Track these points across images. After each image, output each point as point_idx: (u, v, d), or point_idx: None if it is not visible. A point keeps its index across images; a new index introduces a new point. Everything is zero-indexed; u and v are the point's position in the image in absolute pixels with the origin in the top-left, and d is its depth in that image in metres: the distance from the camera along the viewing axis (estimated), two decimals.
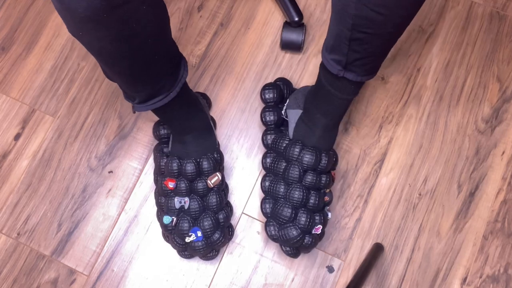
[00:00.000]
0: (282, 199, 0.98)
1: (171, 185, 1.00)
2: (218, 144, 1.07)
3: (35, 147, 1.12)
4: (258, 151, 1.12)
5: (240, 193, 1.09)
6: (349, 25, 0.80)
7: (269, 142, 1.06)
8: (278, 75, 1.16)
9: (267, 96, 1.09)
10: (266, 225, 1.00)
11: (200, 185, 0.99)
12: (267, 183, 1.02)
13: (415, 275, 1.05)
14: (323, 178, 0.99)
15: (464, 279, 1.05)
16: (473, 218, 1.08)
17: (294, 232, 0.96)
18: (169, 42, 0.85)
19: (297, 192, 0.96)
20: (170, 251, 1.06)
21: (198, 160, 1.00)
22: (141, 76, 0.83)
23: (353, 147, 1.12)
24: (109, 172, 1.11)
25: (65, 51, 1.18)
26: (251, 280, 1.05)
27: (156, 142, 1.11)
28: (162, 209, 1.02)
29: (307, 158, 0.97)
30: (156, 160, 1.05)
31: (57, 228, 1.08)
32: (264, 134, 1.08)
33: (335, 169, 1.06)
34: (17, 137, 1.13)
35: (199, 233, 0.98)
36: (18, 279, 1.05)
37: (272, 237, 1.00)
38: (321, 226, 0.98)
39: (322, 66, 0.93)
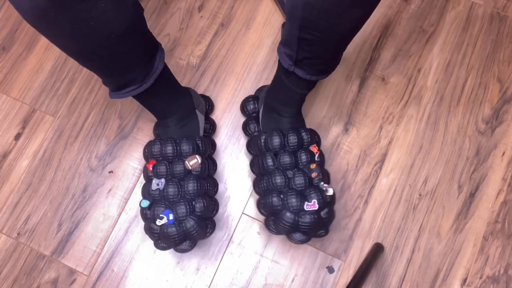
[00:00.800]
0: (268, 191, 0.98)
1: (151, 168, 0.99)
2: (213, 147, 1.08)
3: (36, 147, 1.12)
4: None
5: (240, 194, 1.09)
6: (297, 25, 0.80)
7: (251, 128, 1.09)
8: None
9: (249, 107, 1.11)
10: (266, 223, 1.00)
11: (177, 168, 0.97)
12: (257, 182, 1.02)
13: (415, 276, 1.05)
14: (301, 156, 0.98)
15: (464, 280, 1.05)
16: (473, 219, 1.08)
17: (288, 215, 0.94)
18: (139, 36, 0.83)
19: (277, 178, 0.96)
20: (170, 251, 1.06)
21: (177, 141, 0.98)
22: (109, 69, 0.83)
23: (354, 148, 1.12)
24: (110, 172, 1.11)
25: None
26: (251, 280, 1.05)
27: None
28: (143, 194, 1.00)
29: (275, 140, 0.98)
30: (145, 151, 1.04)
31: (57, 228, 1.08)
32: (246, 123, 1.10)
33: (317, 144, 1.02)
34: (17, 137, 1.13)
35: (171, 216, 0.94)
36: (18, 279, 1.05)
37: (274, 232, 0.99)
38: (315, 201, 0.94)
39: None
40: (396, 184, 1.10)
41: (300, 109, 1.03)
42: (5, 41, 1.19)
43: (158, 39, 1.18)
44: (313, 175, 0.97)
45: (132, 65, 0.85)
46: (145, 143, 1.12)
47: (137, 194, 1.09)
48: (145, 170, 1.01)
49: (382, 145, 1.12)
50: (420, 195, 1.09)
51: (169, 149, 0.97)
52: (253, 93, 1.15)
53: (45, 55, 1.18)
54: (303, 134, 0.99)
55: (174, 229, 0.94)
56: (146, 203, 0.97)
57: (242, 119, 1.13)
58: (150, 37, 0.88)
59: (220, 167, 1.11)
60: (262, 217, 1.06)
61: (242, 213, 1.08)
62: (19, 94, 1.15)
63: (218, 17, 1.19)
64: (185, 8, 1.20)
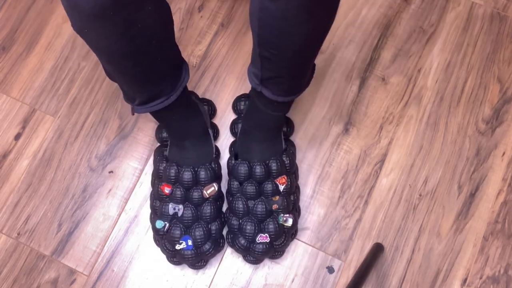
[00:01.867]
0: (231, 211, 1.03)
1: (167, 190, 1.00)
2: (218, 154, 1.08)
3: (36, 147, 1.12)
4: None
5: None
6: (256, 42, 0.80)
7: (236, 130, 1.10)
8: None
9: (241, 107, 1.11)
10: (226, 237, 1.04)
11: (195, 194, 0.99)
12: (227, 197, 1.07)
13: (415, 276, 1.05)
14: (266, 186, 1.00)
15: (464, 280, 1.05)
16: (473, 219, 1.08)
17: (241, 241, 1.00)
18: (172, 44, 0.85)
19: (239, 203, 1.00)
20: None
21: (195, 169, 0.99)
22: (144, 77, 0.83)
23: (354, 148, 1.12)
24: (110, 172, 1.11)
25: (65, 51, 1.18)
26: (251, 280, 1.05)
27: (157, 143, 1.11)
28: (156, 212, 1.02)
29: (241, 169, 1.01)
30: (155, 163, 1.05)
31: (57, 228, 1.08)
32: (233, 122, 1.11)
33: (287, 174, 1.03)
34: (17, 137, 1.13)
35: (190, 242, 0.98)
36: (18, 279, 1.05)
37: (231, 247, 1.04)
38: (267, 235, 0.99)
39: None
40: (396, 184, 1.10)
41: (277, 133, 1.03)
42: (5, 41, 1.19)
43: None
44: (274, 206, 1.00)
45: (164, 75, 0.86)
46: (145, 143, 1.12)
47: (137, 194, 1.09)
48: (156, 189, 1.02)
49: (382, 145, 1.12)
50: (420, 195, 1.09)
51: (187, 176, 0.99)
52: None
53: (45, 55, 1.18)
54: (272, 164, 1.00)
55: (192, 252, 0.98)
56: (161, 224, 1.00)
57: None
58: (178, 48, 0.89)
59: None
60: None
61: None
62: (19, 94, 1.15)
63: (218, 17, 1.19)
64: (185, 8, 1.20)
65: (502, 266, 1.06)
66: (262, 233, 0.99)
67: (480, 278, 1.05)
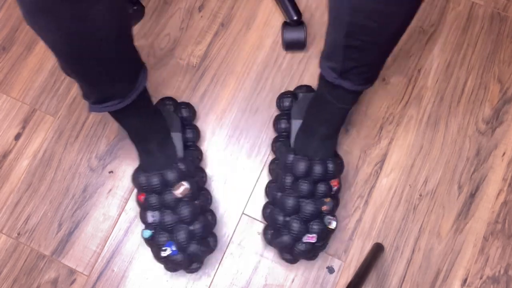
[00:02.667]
0: (278, 206, 1.00)
1: (142, 199, 0.99)
2: (199, 159, 1.06)
3: (36, 147, 1.12)
4: (258, 152, 1.11)
5: (240, 194, 1.09)
6: (343, 32, 0.78)
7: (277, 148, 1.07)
8: (278, 76, 1.15)
9: (285, 104, 1.09)
10: (264, 230, 1.02)
11: (168, 198, 0.97)
12: (271, 190, 1.04)
13: (415, 276, 1.05)
14: (320, 187, 0.98)
15: (465, 280, 1.05)
16: (473, 219, 1.08)
17: (285, 238, 0.97)
18: (127, 49, 0.84)
19: (290, 200, 0.97)
20: None
21: (161, 172, 0.97)
22: (94, 77, 0.82)
23: (354, 148, 1.12)
24: (110, 172, 1.11)
25: None
26: (251, 280, 1.05)
27: None
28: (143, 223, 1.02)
29: (301, 165, 0.97)
30: (134, 176, 1.03)
31: (57, 228, 1.08)
32: (274, 141, 1.09)
33: (338, 177, 1.02)
34: (17, 137, 1.13)
35: (174, 247, 0.96)
36: (18, 279, 1.05)
37: (269, 242, 1.02)
38: (315, 235, 0.97)
39: (321, 73, 0.92)
40: (396, 184, 1.10)
41: (338, 131, 1.01)
42: (5, 41, 1.19)
43: (159, 39, 1.18)
44: (324, 208, 0.99)
45: (118, 77, 0.85)
46: None
47: None
48: (138, 200, 1.02)
49: (382, 146, 1.12)
50: (420, 195, 1.09)
51: (155, 180, 0.96)
52: (253, 93, 1.15)
53: (46, 55, 1.18)
54: (330, 165, 0.99)
55: (179, 256, 0.96)
56: (148, 234, 0.99)
57: (243, 119, 1.13)
58: (136, 53, 0.88)
59: (220, 167, 1.11)
60: (262, 218, 1.06)
61: (242, 213, 1.08)
62: (19, 94, 1.15)
63: (219, 17, 1.19)
64: (185, 8, 1.20)
65: (502, 266, 1.06)
66: (309, 233, 0.97)
67: (480, 278, 1.05)
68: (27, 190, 1.10)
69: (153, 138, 0.98)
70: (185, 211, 0.96)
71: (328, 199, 0.99)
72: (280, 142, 1.06)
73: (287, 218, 0.98)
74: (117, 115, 0.92)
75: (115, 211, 1.09)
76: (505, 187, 1.09)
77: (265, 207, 1.05)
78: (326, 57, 0.88)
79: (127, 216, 1.08)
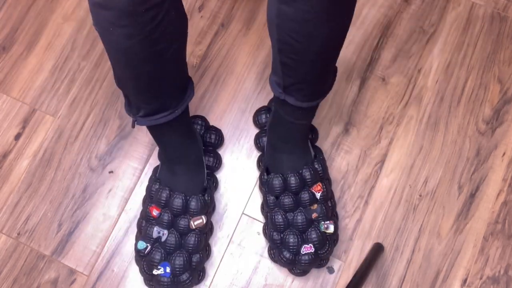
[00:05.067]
0: (271, 226, 1.01)
1: (155, 213, 0.99)
2: (216, 185, 1.06)
3: (36, 147, 1.12)
4: (258, 152, 1.11)
5: (240, 194, 1.09)
6: (276, 49, 0.80)
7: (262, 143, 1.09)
8: None
9: (262, 120, 1.10)
10: (268, 251, 1.05)
11: (182, 223, 0.97)
12: (264, 212, 1.06)
13: (416, 276, 1.05)
14: (303, 196, 0.99)
15: (464, 280, 1.05)
16: (473, 219, 1.08)
17: (285, 254, 0.99)
18: (184, 57, 0.86)
19: (278, 216, 0.99)
20: None
21: (187, 197, 0.98)
22: (156, 86, 0.83)
23: (354, 148, 1.12)
24: (110, 172, 1.11)
25: (65, 51, 1.18)
26: (251, 280, 1.05)
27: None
28: (141, 232, 1.01)
29: (275, 182, 0.99)
30: (150, 182, 1.04)
31: (57, 228, 1.08)
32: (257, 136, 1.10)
33: (320, 182, 1.01)
34: (17, 137, 1.13)
35: (168, 269, 0.96)
36: (18, 279, 1.05)
37: (275, 262, 1.04)
38: (311, 245, 0.97)
39: None
40: (396, 184, 1.10)
41: (304, 142, 1.01)
42: (5, 41, 1.19)
43: None
44: (313, 215, 0.99)
45: (175, 87, 0.86)
46: (145, 143, 1.12)
47: (138, 195, 1.09)
48: (146, 208, 1.01)
49: (382, 146, 1.12)
50: (420, 195, 1.09)
51: (178, 203, 0.97)
52: (253, 94, 1.15)
53: (46, 55, 1.18)
54: (306, 174, 0.99)
55: (168, 279, 0.97)
56: (143, 245, 0.99)
57: (243, 119, 1.13)
58: (186, 63, 0.89)
59: (220, 167, 1.11)
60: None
61: (242, 213, 1.08)
62: (19, 94, 1.15)
63: (219, 17, 1.19)
64: (186, 8, 1.19)
65: (502, 266, 1.06)
66: (306, 243, 0.98)
67: (480, 278, 1.05)
68: (27, 190, 1.10)
69: (186, 159, 0.99)
70: (192, 241, 0.97)
71: (315, 206, 0.99)
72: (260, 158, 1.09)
73: (283, 235, 0.99)
74: (161, 129, 0.92)
75: (115, 211, 1.09)
76: (505, 187, 1.09)
77: (264, 228, 1.05)
78: (272, 71, 0.89)
79: (127, 216, 1.08)
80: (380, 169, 1.10)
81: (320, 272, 1.05)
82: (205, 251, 1.02)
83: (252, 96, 1.15)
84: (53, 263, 1.06)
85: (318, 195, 1.00)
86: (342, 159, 1.11)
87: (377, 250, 1.03)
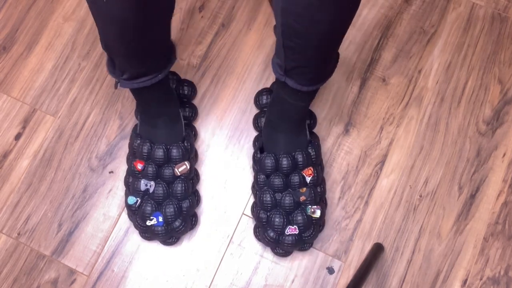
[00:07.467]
0: (259, 204, 1.03)
1: (139, 166, 1.02)
2: (195, 134, 1.09)
3: (36, 147, 1.12)
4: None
5: (240, 194, 1.09)
6: (280, 31, 0.80)
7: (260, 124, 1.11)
8: None
9: (262, 101, 1.11)
10: (254, 230, 1.06)
11: (167, 172, 1.01)
12: (254, 190, 1.07)
13: (416, 277, 1.05)
14: (293, 179, 1.00)
15: (465, 281, 1.05)
16: (473, 220, 1.08)
17: (269, 233, 1.00)
18: (169, 23, 0.88)
19: (267, 196, 1.01)
20: (170, 251, 1.06)
21: (168, 146, 1.01)
22: (143, 51, 0.85)
23: (354, 148, 1.12)
24: (110, 172, 1.11)
25: (66, 51, 1.18)
26: (251, 281, 1.05)
27: None
28: (129, 188, 1.04)
29: (267, 162, 1.01)
30: (131, 139, 1.06)
31: (57, 228, 1.08)
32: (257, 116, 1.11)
33: (311, 166, 1.02)
34: (17, 136, 1.13)
35: (160, 218, 1.00)
36: (18, 279, 1.05)
37: (258, 240, 1.05)
38: (296, 227, 0.99)
39: None
40: (396, 185, 1.10)
41: (301, 124, 1.03)
42: (5, 41, 1.19)
43: None
44: (302, 198, 1.01)
45: (161, 50, 0.89)
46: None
47: None
48: (130, 164, 1.04)
49: (382, 146, 1.12)
50: (420, 196, 1.09)
51: (160, 153, 1.00)
52: (254, 94, 1.15)
53: (46, 55, 1.18)
54: (298, 156, 1.01)
55: (162, 228, 1.00)
56: (133, 200, 1.02)
57: (243, 119, 1.13)
58: (170, 29, 0.91)
59: (220, 167, 1.11)
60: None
61: (242, 213, 1.08)
62: (20, 94, 1.15)
63: (219, 17, 1.19)
64: (186, 8, 1.20)
65: (502, 267, 1.06)
66: (290, 225, 1.00)
67: (480, 279, 1.05)
68: (27, 190, 1.10)
69: (167, 112, 1.02)
70: (179, 188, 1.01)
71: (304, 189, 1.01)
72: (256, 139, 1.10)
73: (269, 214, 1.01)
74: (143, 91, 0.95)
75: (115, 211, 1.09)
76: (505, 188, 1.09)
77: (252, 207, 1.07)
78: (275, 53, 0.90)
79: (127, 216, 1.08)
80: (381, 169, 1.10)
81: (320, 273, 1.05)
82: (194, 196, 1.05)
83: (252, 96, 1.15)
84: (53, 263, 1.06)
85: (308, 179, 1.01)
86: (342, 160, 1.11)
87: (377, 250, 1.03)
